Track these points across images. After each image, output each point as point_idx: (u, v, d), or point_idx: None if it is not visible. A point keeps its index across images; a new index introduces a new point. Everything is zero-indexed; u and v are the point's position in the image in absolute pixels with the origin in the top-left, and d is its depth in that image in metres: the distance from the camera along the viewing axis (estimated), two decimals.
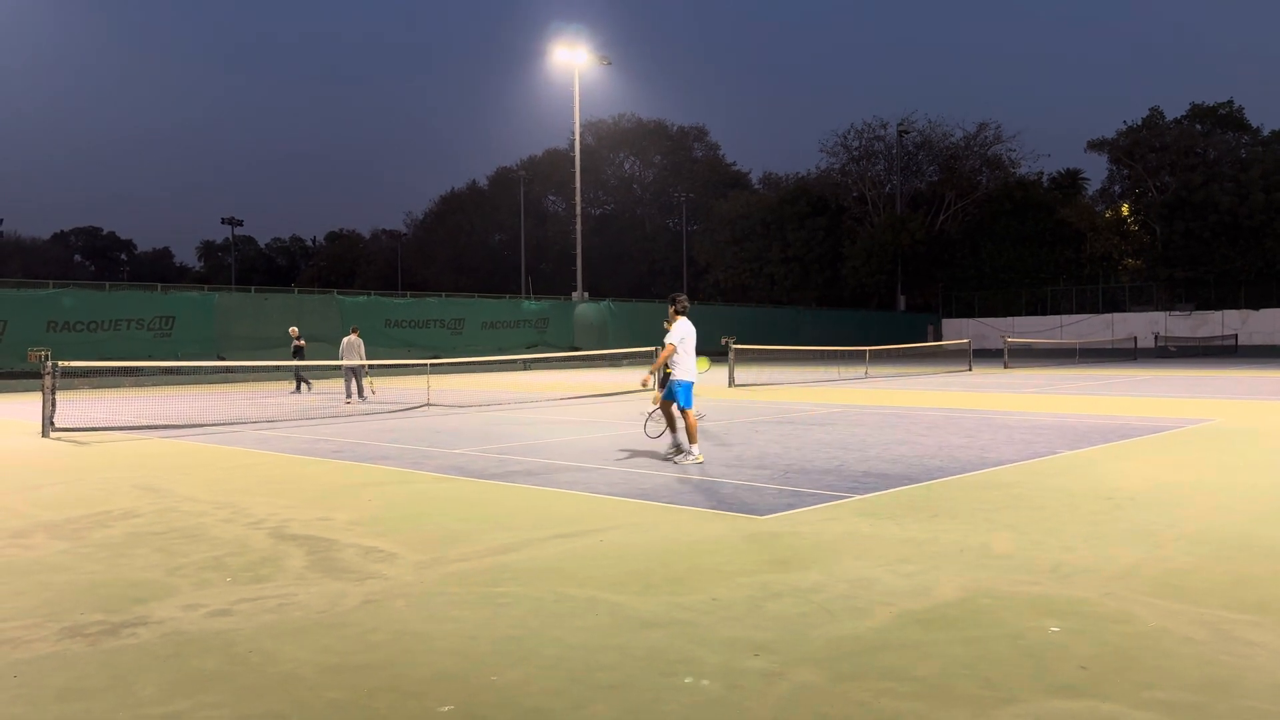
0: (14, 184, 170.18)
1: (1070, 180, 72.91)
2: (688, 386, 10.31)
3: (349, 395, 20.88)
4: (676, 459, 10.25)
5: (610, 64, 48.26)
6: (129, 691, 3.89)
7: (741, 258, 70.95)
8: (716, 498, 8.14)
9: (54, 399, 14.42)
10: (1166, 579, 5.41)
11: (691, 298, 71.45)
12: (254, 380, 31.03)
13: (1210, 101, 66.29)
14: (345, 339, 21.97)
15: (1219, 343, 51.02)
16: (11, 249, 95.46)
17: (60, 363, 15.25)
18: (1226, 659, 4.12)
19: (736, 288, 70.98)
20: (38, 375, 15.62)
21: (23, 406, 19.73)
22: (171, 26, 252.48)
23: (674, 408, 10.46)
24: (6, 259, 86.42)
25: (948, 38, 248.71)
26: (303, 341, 24.94)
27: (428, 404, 19.50)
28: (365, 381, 21.56)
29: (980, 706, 3.65)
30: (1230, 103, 65.87)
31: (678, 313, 10.56)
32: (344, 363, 21.34)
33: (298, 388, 24.43)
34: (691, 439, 10.27)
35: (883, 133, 72.25)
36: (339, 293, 40.50)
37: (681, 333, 10.33)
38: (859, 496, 8.10)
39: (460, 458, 11.05)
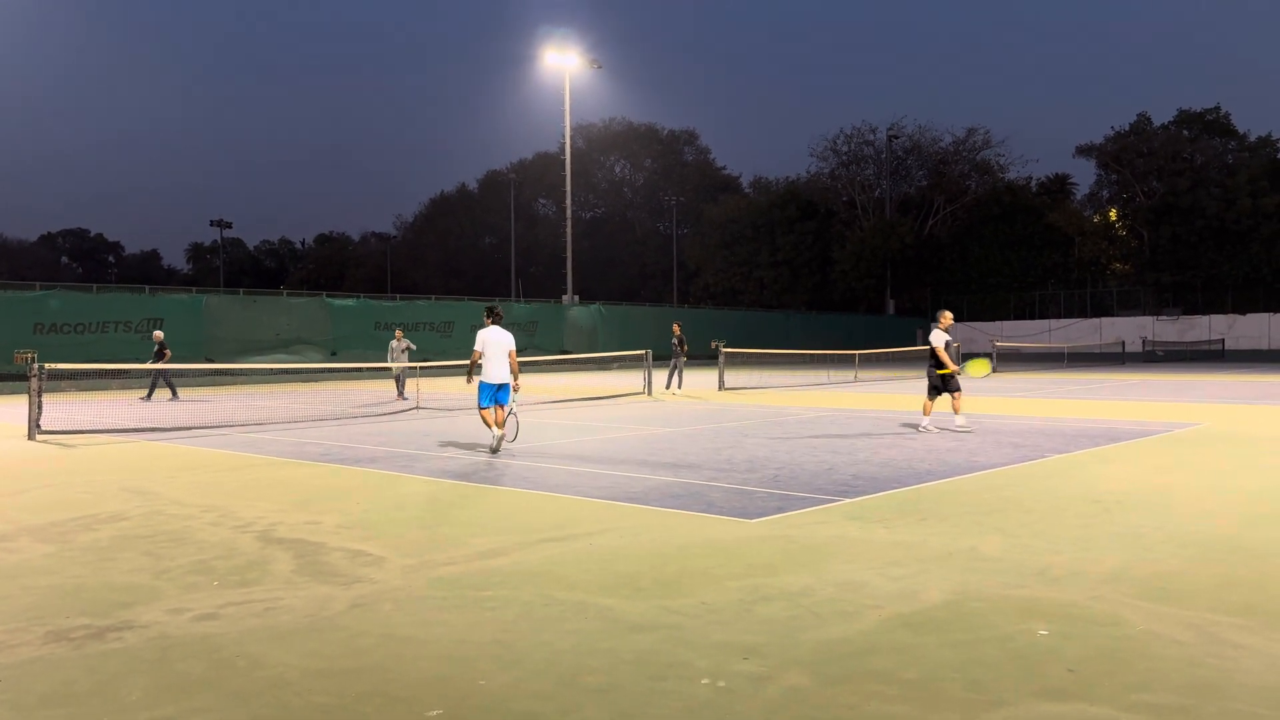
0: (0, 185, 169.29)
1: (1059, 185, 73.23)
2: (486, 387, 11.67)
3: (401, 394, 22.19)
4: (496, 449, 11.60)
5: (601, 68, 48.26)
6: (115, 696, 3.86)
7: (731, 261, 71.05)
8: (706, 501, 8.13)
9: (40, 401, 14.33)
10: (1154, 582, 5.43)
11: (681, 301, 71.11)
12: (242, 383, 30.92)
13: (1197, 107, 66.67)
14: (391, 343, 23.21)
15: (1206, 347, 51.34)
16: None
17: (47, 365, 15.16)
18: (1214, 661, 4.13)
19: (726, 291, 71.07)
20: (24, 378, 15.53)
21: (9, 409, 19.61)
22: (158, 26, 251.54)
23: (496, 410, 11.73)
24: None
25: (936, 43, 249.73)
26: (168, 350, 23.51)
27: (417, 407, 19.45)
28: (401, 382, 22.58)
29: (969, 709, 3.65)
30: (1217, 108, 66.26)
31: (491, 322, 11.90)
32: (393, 365, 22.52)
33: (161, 393, 23.21)
34: (489, 425, 11.66)
35: (872, 137, 72.48)
36: (328, 295, 40.38)
37: (483, 340, 11.71)
38: (848, 500, 8.11)
39: (449, 461, 11.02)
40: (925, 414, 13.77)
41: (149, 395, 23.23)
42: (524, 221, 79.96)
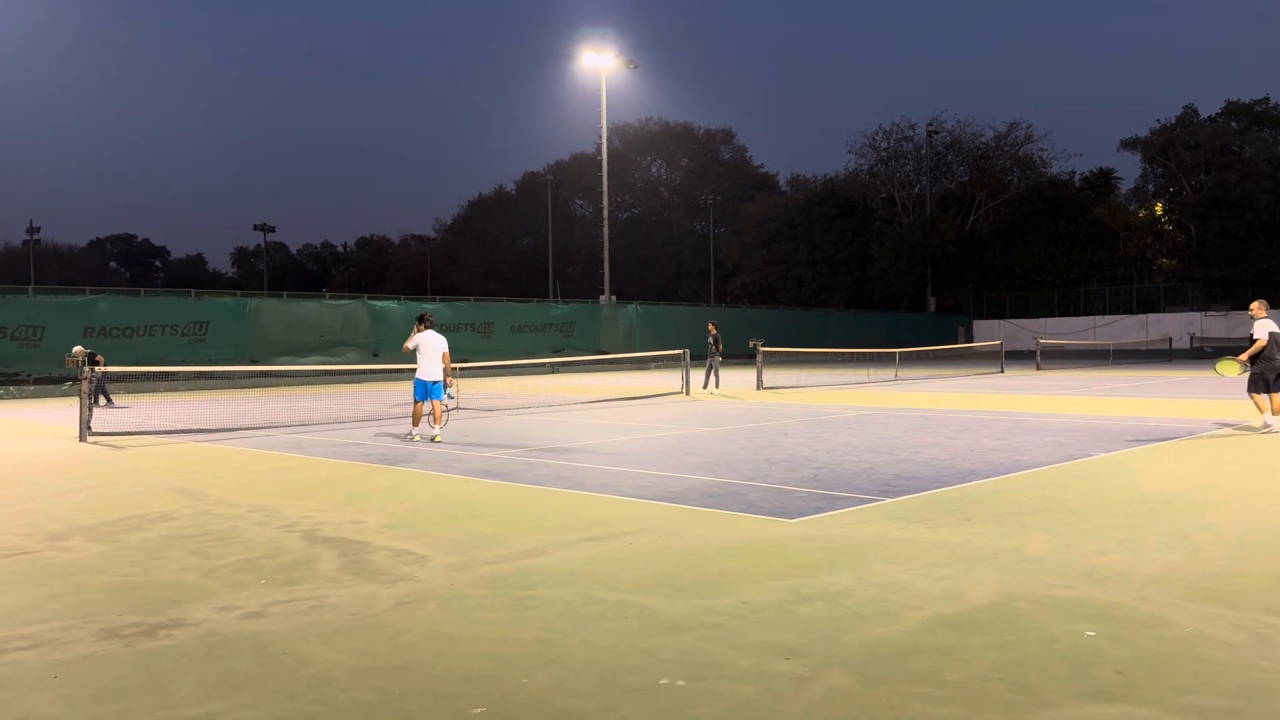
0: (51, 193, 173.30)
1: (1103, 180, 72.06)
2: (420, 384, 13.34)
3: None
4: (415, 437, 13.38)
5: (636, 68, 48.25)
6: (165, 692, 3.95)
7: (769, 260, 70.76)
8: (745, 501, 8.12)
9: (90, 403, 14.64)
10: (1203, 582, 5.34)
11: (719, 300, 70.99)
12: (286, 384, 31.35)
13: (1246, 98, 65.34)
14: None
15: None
16: (49, 257, 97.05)
17: (97, 368, 15.47)
18: (1265, 664, 4.05)
19: (764, 290, 70.79)
20: (75, 380, 15.82)
21: (60, 411, 20.04)
22: (201, 33, 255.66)
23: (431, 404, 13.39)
24: (44, 266, 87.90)
25: (977, 37, 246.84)
26: (101, 357, 20.53)
27: (457, 407, 19.59)
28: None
29: (1013, 711, 3.61)
30: (1266, 99, 64.85)
31: (425, 327, 13.55)
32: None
33: (98, 401, 20.60)
34: (415, 419, 13.52)
35: (911, 133, 71.83)
36: (369, 298, 40.83)
37: (416, 341, 13.46)
38: (890, 499, 8.05)
39: (489, 461, 11.10)
40: (1262, 411, 12.72)
41: (107, 400, 21.58)
42: (561, 222, 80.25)
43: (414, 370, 13.53)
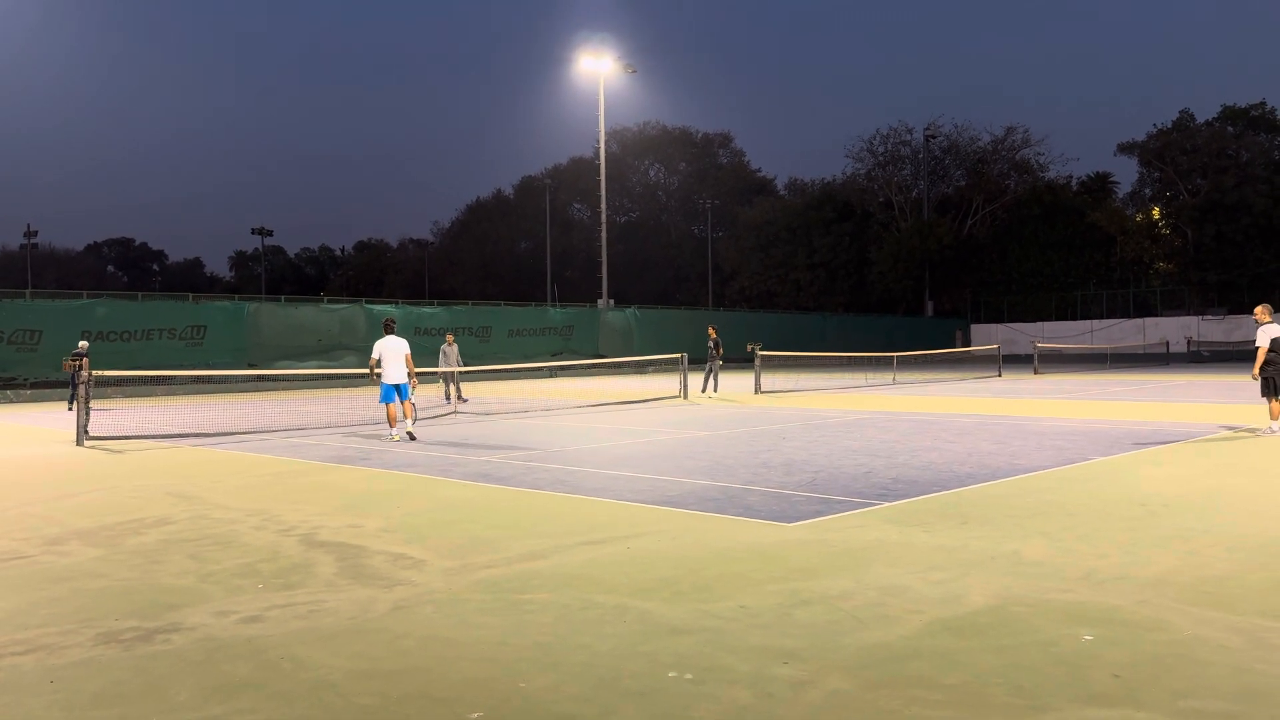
0: (48, 197, 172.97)
1: (1100, 184, 72.12)
2: (387, 388, 13.98)
3: (448, 398, 22.19)
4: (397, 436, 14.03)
5: (635, 72, 48.31)
6: (163, 697, 3.94)
7: (767, 264, 70.79)
8: (744, 505, 8.12)
9: (88, 408, 14.63)
10: (1201, 586, 5.34)
11: (717, 304, 70.92)
12: (284, 388, 31.32)
13: (1242, 103, 65.39)
14: (443, 347, 23.18)
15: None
16: (46, 261, 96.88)
17: (94, 371, 15.45)
18: (1263, 667, 4.06)
19: (762, 294, 70.84)
20: (73, 384, 15.75)
21: (57, 415, 20.01)
22: (198, 37, 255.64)
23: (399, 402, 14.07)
24: (42, 270, 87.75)
25: (974, 42, 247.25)
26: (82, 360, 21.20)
27: (455, 411, 19.59)
28: (456, 386, 22.49)
29: (1012, 714, 3.61)
30: (1263, 104, 64.91)
31: (387, 333, 14.25)
32: (441, 369, 22.53)
33: (72, 405, 20.17)
34: (390, 420, 14.19)
35: (909, 137, 71.89)
36: (367, 301, 40.80)
37: (380, 348, 14.10)
38: (888, 503, 8.05)
39: (487, 465, 11.09)
40: (1273, 418, 12.87)
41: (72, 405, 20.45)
42: (559, 226, 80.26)
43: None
